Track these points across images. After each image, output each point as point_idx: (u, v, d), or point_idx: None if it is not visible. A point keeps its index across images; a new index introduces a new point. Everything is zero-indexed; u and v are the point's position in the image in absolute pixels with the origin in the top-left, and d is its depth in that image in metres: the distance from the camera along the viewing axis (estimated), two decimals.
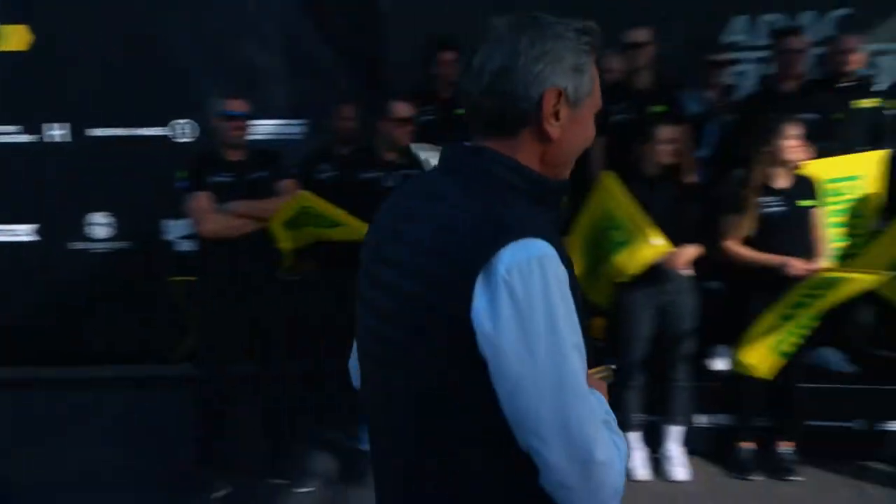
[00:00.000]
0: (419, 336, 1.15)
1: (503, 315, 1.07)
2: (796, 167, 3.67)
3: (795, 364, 3.74)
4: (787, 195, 3.63)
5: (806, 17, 4.98)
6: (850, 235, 3.85)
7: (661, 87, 4.20)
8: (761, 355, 3.47)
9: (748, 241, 3.63)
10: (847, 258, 3.74)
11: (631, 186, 3.69)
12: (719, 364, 4.22)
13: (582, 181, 3.95)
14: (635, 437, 3.93)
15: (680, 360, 3.84)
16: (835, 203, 3.93)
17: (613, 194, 3.72)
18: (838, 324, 4.25)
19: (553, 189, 1.23)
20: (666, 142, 3.63)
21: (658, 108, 4.10)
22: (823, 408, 3.96)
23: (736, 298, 3.71)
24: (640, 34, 4.10)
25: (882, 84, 4.63)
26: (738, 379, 3.79)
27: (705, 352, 4.23)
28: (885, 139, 4.11)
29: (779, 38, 4.37)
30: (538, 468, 1.11)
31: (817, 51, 4.63)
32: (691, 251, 3.63)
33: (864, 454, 3.97)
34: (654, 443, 3.97)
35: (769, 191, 3.62)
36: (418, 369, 1.16)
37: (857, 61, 4.27)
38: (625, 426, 3.86)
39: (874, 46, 4.90)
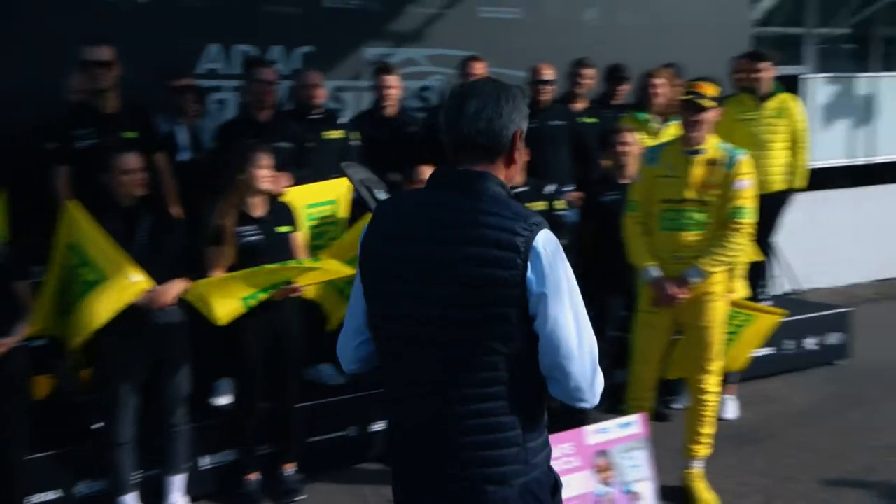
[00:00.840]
0: (490, 306, 1.60)
1: (545, 275, 1.60)
2: (273, 194, 3.73)
3: (290, 388, 3.82)
4: (265, 223, 3.66)
5: (275, 51, 5.20)
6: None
7: (131, 112, 3.91)
8: (226, 303, 3.41)
9: (231, 270, 3.58)
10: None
11: (105, 219, 3.36)
12: (222, 400, 4.11)
13: (48, 212, 3.53)
14: (132, 499, 3.58)
15: (176, 404, 3.60)
16: (315, 227, 4.13)
17: (81, 227, 3.35)
18: (330, 339, 4.57)
19: (516, 195, 1.87)
20: (130, 171, 3.37)
21: (129, 134, 3.80)
22: (322, 422, 4.13)
23: (233, 329, 3.59)
24: (102, 52, 3.74)
25: (345, 117, 5.07)
26: (241, 412, 3.73)
27: (206, 389, 4.08)
28: None
29: (250, 68, 4.46)
30: (554, 381, 1.66)
31: (288, 83, 4.87)
32: (176, 287, 3.46)
33: (360, 457, 4.25)
34: (156, 497, 3.66)
35: (247, 219, 3.62)
36: (481, 335, 1.61)
37: (322, 95, 4.59)
38: (119, 489, 3.51)
39: (337, 83, 5.39)
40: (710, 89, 3.57)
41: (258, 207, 3.67)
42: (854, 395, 5.17)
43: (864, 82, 11.02)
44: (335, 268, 3.58)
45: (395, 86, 4.79)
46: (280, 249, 3.65)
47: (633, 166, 4.29)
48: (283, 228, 3.71)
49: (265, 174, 3.60)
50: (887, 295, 7.91)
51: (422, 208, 1.69)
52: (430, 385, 1.67)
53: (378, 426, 4.30)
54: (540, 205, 4.32)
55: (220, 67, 5.03)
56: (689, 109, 3.55)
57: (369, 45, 5.52)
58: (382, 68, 4.85)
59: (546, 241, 1.62)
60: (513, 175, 1.75)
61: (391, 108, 4.83)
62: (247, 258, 3.54)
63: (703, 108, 3.52)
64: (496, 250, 1.60)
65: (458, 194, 1.67)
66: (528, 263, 1.60)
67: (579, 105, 5.39)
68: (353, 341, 1.84)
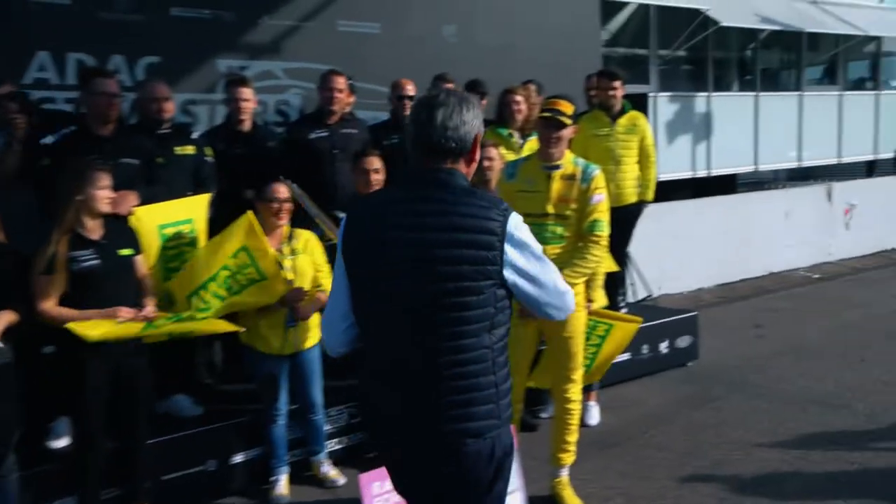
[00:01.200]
0: (475, 281, 1.94)
1: (523, 248, 2.00)
2: (114, 215, 3.50)
3: (138, 424, 3.57)
4: (104, 246, 3.41)
5: (115, 61, 4.88)
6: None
7: None
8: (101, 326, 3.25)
9: (69, 299, 3.30)
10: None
11: None
12: (60, 442, 3.76)
13: None
14: None
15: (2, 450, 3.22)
16: (169, 248, 3.91)
17: None
18: (187, 369, 4.32)
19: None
20: None
21: None
22: (178, 457, 3.88)
23: (71, 363, 3.32)
24: None
25: (198, 131, 4.83)
26: (80, 452, 3.41)
27: (42, 431, 3.73)
28: (207, 183, 4.27)
29: (89, 79, 4.13)
30: (542, 313, 2.10)
31: (132, 96, 4.58)
32: (5, 318, 3.15)
33: (220, 492, 4.01)
34: None
35: (83, 243, 3.34)
36: (466, 301, 1.95)
37: (170, 109, 4.32)
38: None
39: (188, 95, 5.12)
40: (567, 107, 3.64)
41: (95, 230, 3.40)
42: (702, 394, 5.46)
43: (700, 101, 11.91)
44: (221, 326, 3.62)
45: (249, 98, 4.61)
46: (121, 274, 3.42)
47: (496, 181, 4.33)
48: (125, 251, 3.48)
49: (104, 195, 3.35)
50: (727, 298, 8.49)
51: (404, 202, 1.99)
52: (420, 352, 1.95)
53: (239, 458, 4.08)
54: None
55: (50, 77, 4.63)
56: (548, 126, 3.60)
57: (223, 57, 5.31)
58: (235, 80, 4.66)
59: (516, 223, 1.99)
60: (472, 171, 2.09)
61: (246, 122, 4.64)
62: (84, 285, 3.29)
63: (562, 125, 3.59)
64: (478, 235, 1.94)
65: (435, 188, 1.99)
66: (505, 243, 1.96)
67: None
68: (341, 325, 2.09)
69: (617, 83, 5.53)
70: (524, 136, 5.32)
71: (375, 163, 4.36)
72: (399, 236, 1.96)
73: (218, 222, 3.96)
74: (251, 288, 3.79)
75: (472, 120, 2.01)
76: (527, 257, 2.00)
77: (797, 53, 13.59)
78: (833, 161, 13.60)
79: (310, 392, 4.03)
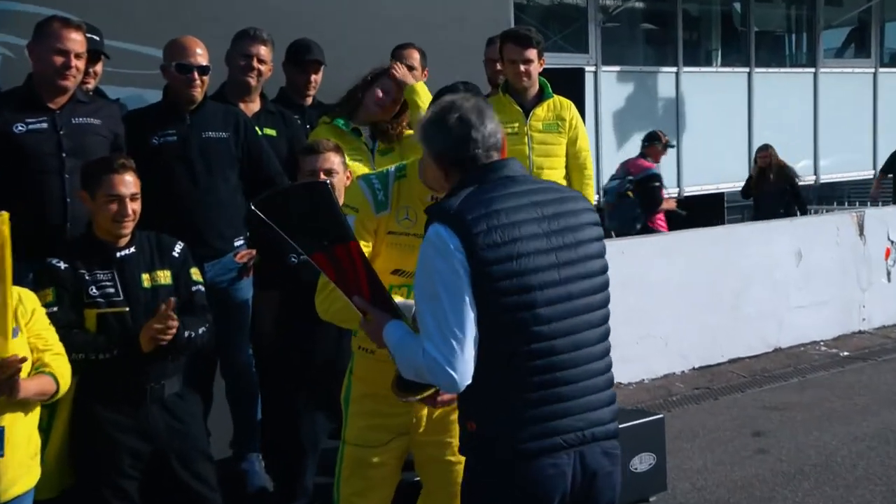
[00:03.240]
0: (604, 272, 3.30)
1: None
2: None
3: None
4: None
5: None
6: None
7: None
8: None
9: None
10: None
11: None
12: None
13: None
14: None
15: None
16: None
17: None
18: None
19: None
20: None
21: None
22: None
23: None
24: None
25: None
26: None
27: None
28: None
29: None
30: None
31: None
32: None
33: None
34: None
35: None
36: (607, 297, 3.32)
37: None
38: None
39: None
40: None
41: None
42: None
43: (665, 79, 12.21)
44: None
45: None
46: None
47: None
48: None
49: None
50: (711, 389, 8.62)
51: (517, 196, 3.17)
52: (588, 343, 3.18)
53: None
54: None
55: None
56: None
57: None
58: None
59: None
60: None
61: None
62: None
63: None
64: (597, 227, 3.31)
65: (521, 178, 3.30)
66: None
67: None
68: (473, 350, 3.05)
69: (531, 52, 5.59)
70: (389, 138, 5.35)
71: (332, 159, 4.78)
72: (557, 225, 3.16)
73: None
74: None
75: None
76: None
77: (810, 9, 14.18)
78: (866, 175, 14.09)
79: None
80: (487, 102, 3.33)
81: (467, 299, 3.00)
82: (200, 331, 4.37)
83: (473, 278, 3.00)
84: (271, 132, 5.71)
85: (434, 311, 3.02)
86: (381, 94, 5.36)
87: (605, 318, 3.22)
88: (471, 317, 3.00)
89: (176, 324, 4.16)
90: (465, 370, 3.00)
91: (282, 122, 5.81)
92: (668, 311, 8.95)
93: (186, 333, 4.26)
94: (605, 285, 3.23)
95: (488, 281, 3.00)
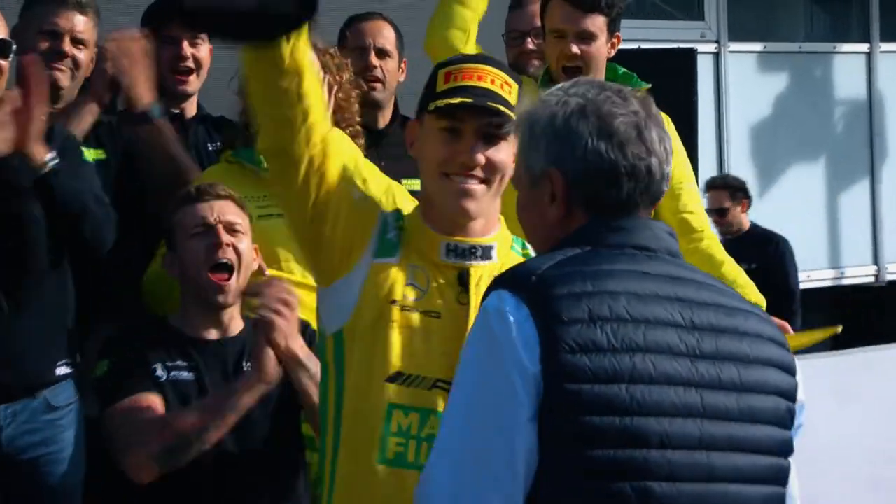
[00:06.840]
0: (779, 454, 2.18)
1: None
2: None
3: None
4: None
5: None
6: None
7: None
8: None
9: None
10: None
11: None
12: None
13: None
14: None
15: None
16: None
17: None
18: None
19: None
20: None
21: None
22: None
23: None
24: None
25: None
26: None
27: None
28: None
29: None
30: None
31: None
32: None
33: None
34: None
35: None
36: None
37: None
38: None
39: None
40: (509, 85, 3.55)
41: None
42: None
43: (850, 63, 10.25)
44: None
45: None
46: None
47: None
48: None
49: None
50: None
51: (652, 280, 2.05)
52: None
53: None
54: None
55: None
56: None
57: None
58: None
59: None
60: None
61: None
62: None
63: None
64: (783, 373, 2.16)
65: (668, 258, 2.16)
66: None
67: None
68: None
69: (595, 20, 4.48)
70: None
71: None
72: (678, 341, 2.06)
73: None
74: None
75: None
76: None
77: None
78: None
79: None
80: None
81: (517, 439, 1.93)
82: None
83: (544, 399, 1.93)
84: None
85: (453, 431, 2.04)
86: None
87: None
88: (519, 475, 1.92)
89: None
90: None
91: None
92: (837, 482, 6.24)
93: None
94: (776, 475, 2.10)
95: (570, 411, 1.92)
